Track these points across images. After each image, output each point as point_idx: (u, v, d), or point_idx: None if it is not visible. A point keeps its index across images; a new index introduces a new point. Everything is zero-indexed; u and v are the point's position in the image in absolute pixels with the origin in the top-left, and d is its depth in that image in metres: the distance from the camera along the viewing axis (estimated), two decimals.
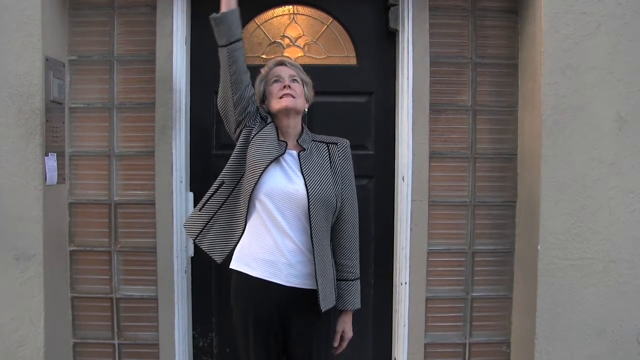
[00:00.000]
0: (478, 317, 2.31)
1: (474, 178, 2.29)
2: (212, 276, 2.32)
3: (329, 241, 1.72)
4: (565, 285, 2.04)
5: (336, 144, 1.78)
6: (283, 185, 1.64)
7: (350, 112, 2.31)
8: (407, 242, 2.23)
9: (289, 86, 1.71)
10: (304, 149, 1.72)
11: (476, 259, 2.30)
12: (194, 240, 1.73)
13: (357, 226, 1.78)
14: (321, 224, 1.65)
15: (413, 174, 2.22)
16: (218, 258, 1.71)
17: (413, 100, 2.21)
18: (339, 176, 1.72)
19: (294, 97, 1.71)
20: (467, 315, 2.31)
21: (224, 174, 1.72)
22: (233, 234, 1.70)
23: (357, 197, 1.78)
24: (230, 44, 1.66)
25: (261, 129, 1.72)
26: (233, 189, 1.70)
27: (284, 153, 1.68)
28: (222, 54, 1.68)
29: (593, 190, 2.03)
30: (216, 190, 1.72)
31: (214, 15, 1.68)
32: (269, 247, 1.63)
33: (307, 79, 1.81)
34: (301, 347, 1.67)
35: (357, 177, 1.83)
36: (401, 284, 2.25)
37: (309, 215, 1.62)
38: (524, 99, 2.23)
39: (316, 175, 1.67)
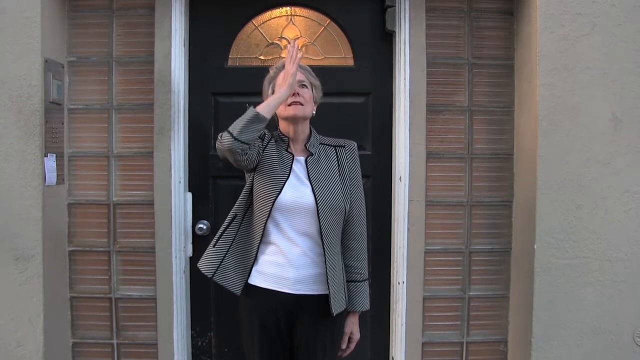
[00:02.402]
0: (475, 316, 2.32)
1: (470, 178, 2.30)
2: None
3: (340, 245, 1.71)
4: (561, 284, 2.05)
5: (344, 146, 1.77)
6: (290, 196, 1.63)
7: (348, 112, 2.32)
8: (405, 242, 2.24)
9: (297, 93, 1.66)
10: (312, 154, 1.72)
11: (473, 258, 2.31)
12: (211, 277, 1.68)
13: (365, 228, 1.78)
14: (332, 229, 1.65)
15: (410, 174, 2.24)
16: (237, 290, 1.67)
17: (410, 101, 2.23)
18: (347, 179, 1.72)
19: (302, 105, 1.67)
20: (465, 315, 2.32)
21: (238, 207, 1.69)
22: (247, 261, 1.68)
23: (364, 199, 1.78)
24: (244, 143, 1.54)
25: (263, 152, 1.68)
26: (245, 220, 1.68)
27: (289, 177, 1.65)
28: (231, 144, 1.53)
29: (589, 190, 2.04)
30: (229, 224, 1.68)
31: (258, 113, 1.55)
32: (277, 260, 1.64)
33: (316, 82, 1.77)
34: (307, 352, 1.67)
35: None
36: (398, 283, 2.26)
37: (319, 221, 1.61)
38: (519, 100, 2.24)
39: (324, 181, 1.67)
